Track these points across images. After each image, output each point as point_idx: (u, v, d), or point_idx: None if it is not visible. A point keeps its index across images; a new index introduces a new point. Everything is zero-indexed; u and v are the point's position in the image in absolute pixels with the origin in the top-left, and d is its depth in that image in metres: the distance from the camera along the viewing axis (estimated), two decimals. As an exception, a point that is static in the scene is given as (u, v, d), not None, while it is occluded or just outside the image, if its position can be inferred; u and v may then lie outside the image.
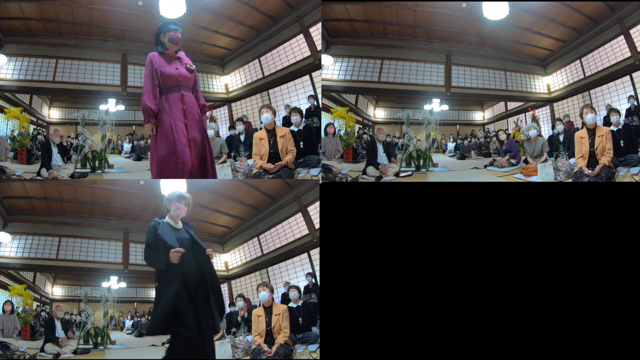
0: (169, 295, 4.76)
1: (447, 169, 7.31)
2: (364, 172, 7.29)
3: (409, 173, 7.37)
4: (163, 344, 7.42)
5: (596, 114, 6.79)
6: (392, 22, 7.86)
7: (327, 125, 7.39)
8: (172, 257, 4.86)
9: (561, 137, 7.40)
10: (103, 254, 7.86)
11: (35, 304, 7.38)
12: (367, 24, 7.91)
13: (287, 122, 7.47)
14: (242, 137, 7.55)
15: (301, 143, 7.14)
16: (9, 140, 7.39)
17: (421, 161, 7.38)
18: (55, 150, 7.41)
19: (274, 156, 6.82)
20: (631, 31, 7.42)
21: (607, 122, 7.14)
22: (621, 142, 6.84)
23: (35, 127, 7.67)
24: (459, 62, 8.05)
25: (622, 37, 7.53)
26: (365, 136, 7.72)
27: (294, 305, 7.03)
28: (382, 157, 7.49)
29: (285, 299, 7.24)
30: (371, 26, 7.93)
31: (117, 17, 7.76)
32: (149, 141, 8.14)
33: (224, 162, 7.45)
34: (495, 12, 7.55)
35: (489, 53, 8.13)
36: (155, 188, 7.42)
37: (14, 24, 7.65)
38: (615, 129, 6.95)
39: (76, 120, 7.70)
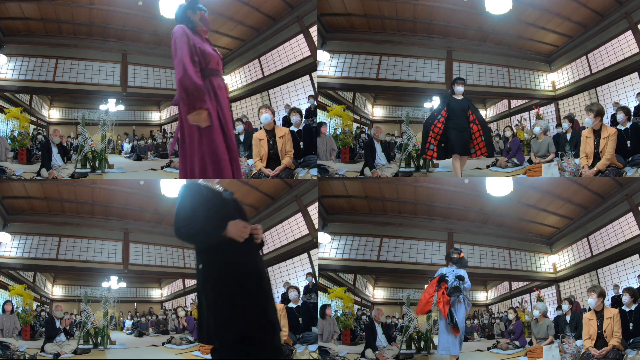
0: (254, 293, 3.34)
1: (448, 169, 7.16)
2: (362, 173, 7.18)
3: (409, 174, 7.26)
4: (163, 344, 7.43)
5: (599, 115, 6.47)
6: (390, 16, 7.72)
7: (319, 125, 7.29)
8: (239, 231, 3.33)
9: (568, 136, 7.21)
10: (103, 254, 7.87)
11: (35, 304, 7.41)
12: (365, 19, 7.76)
13: (287, 122, 7.38)
14: (241, 137, 7.47)
15: (301, 143, 7.04)
16: (9, 141, 7.40)
17: (421, 161, 7.24)
18: (55, 150, 7.41)
19: (273, 157, 6.70)
20: (639, 26, 7.23)
21: (615, 120, 6.90)
22: (628, 142, 6.59)
23: (35, 127, 7.69)
24: (461, 58, 7.91)
25: (630, 32, 7.31)
26: (363, 135, 7.61)
27: (294, 306, 6.96)
28: (380, 157, 7.37)
29: (285, 299, 7.17)
30: (369, 21, 7.79)
31: (117, 17, 7.73)
32: (149, 141, 8.14)
33: (224, 161, 7.39)
34: (498, 6, 7.40)
35: (492, 49, 7.98)
36: (155, 188, 7.40)
37: (14, 24, 7.66)
38: (623, 127, 6.70)
39: (76, 120, 7.71)
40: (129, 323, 7.96)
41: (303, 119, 7.27)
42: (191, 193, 3.41)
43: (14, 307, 7.14)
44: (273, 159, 6.68)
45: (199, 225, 3.31)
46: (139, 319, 7.99)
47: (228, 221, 3.34)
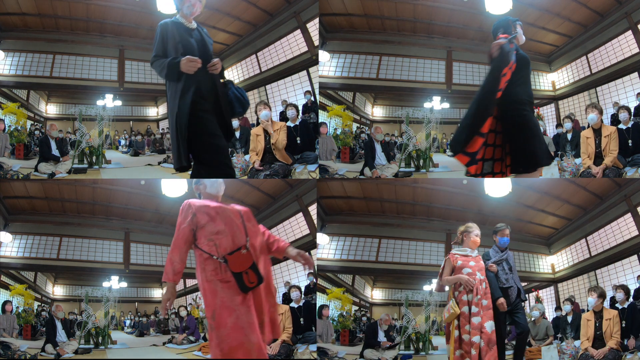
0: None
1: (448, 169, 7.19)
2: (362, 173, 7.19)
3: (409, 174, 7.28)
4: (164, 343, 7.49)
5: (601, 113, 6.54)
6: (390, 16, 7.68)
7: (320, 125, 7.28)
8: (187, 65, 4.23)
9: (569, 136, 7.23)
10: (104, 254, 7.88)
11: (36, 303, 7.43)
12: (365, 19, 7.72)
13: (283, 117, 7.37)
14: (237, 133, 7.44)
15: (298, 139, 7.03)
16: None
17: (421, 161, 7.26)
18: (54, 145, 7.40)
19: (269, 151, 6.63)
20: (639, 26, 7.22)
21: (615, 120, 6.94)
22: (629, 141, 6.63)
23: (33, 122, 7.65)
24: (461, 58, 7.86)
25: (630, 32, 7.29)
26: (363, 135, 7.61)
27: (295, 306, 6.99)
28: (380, 157, 7.38)
29: (286, 298, 7.20)
30: (369, 21, 7.75)
31: (115, 12, 7.67)
32: (140, 137, 8.08)
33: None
34: (498, 6, 7.32)
35: (492, 49, 7.95)
36: (156, 188, 7.38)
37: (11, 20, 7.59)
38: (624, 127, 6.74)
39: (73, 115, 7.68)
40: (129, 323, 8.00)
41: (300, 114, 7.26)
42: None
43: (14, 307, 7.17)
44: (269, 152, 6.69)
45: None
46: (139, 319, 8.02)
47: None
